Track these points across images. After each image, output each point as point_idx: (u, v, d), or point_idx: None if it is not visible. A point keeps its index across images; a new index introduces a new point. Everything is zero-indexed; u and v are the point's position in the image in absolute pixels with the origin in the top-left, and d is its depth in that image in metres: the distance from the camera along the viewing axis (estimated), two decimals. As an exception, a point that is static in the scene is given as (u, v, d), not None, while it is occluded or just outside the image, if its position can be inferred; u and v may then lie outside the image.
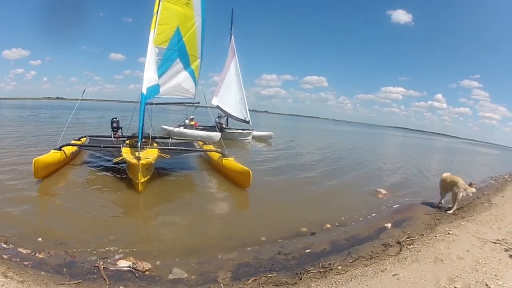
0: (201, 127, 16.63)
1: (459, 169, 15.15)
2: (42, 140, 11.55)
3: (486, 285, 3.44)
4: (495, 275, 3.65)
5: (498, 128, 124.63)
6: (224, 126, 17.27)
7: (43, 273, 3.28)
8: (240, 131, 17.02)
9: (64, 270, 3.39)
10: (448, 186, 6.80)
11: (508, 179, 12.54)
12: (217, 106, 17.15)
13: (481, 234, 4.97)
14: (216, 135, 14.16)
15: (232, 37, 17.59)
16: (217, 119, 17.13)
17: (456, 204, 6.61)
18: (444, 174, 7.16)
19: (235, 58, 17.33)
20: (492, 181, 11.64)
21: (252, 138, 17.21)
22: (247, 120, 17.50)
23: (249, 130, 17.12)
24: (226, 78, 17.36)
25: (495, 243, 4.59)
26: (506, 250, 4.35)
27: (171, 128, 14.82)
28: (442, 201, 7.00)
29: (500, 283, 3.47)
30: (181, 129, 15.37)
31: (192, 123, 16.74)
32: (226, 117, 17.81)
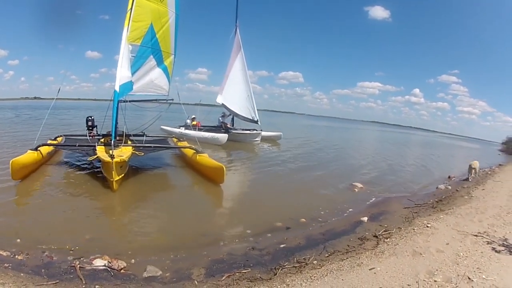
0: (204, 127, 13.70)
1: (438, 163, 14.10)
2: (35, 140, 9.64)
3: (469, 278, 2.87)
4: (477, 268, 3.07)
5: (478, 122, 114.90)
6: (229, 126, 14.28)
7: (22, 274, 2.95)
8: (248, 131, 13.94)
9: (42, 271, 3.03)
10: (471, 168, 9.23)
11: (489, 173, 11.44)
12: (222, 104, 14.12)
13: (461, 227, 4.33)
14: (223, 136, 11.99)
15: (238, 30, 14.21)
16: (220, 119, 14.45)
17: (471, 175, 9.31)
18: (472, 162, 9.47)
19: (241, 53, 14.11)
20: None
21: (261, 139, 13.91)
22: (256, 119, 14.00)
23: (257, 130, 13.89)
24: (231, 74, 14.22)
25: (476, 236, 3.96)
26: (488, 242, 3.73)
27: (172, 129, 13.07)
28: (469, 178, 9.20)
29: (483, 276, 2.90)
30: (183, 130, 13.09)
31: (194, 123, 13.80)
32: (231, 116, 14.69)
